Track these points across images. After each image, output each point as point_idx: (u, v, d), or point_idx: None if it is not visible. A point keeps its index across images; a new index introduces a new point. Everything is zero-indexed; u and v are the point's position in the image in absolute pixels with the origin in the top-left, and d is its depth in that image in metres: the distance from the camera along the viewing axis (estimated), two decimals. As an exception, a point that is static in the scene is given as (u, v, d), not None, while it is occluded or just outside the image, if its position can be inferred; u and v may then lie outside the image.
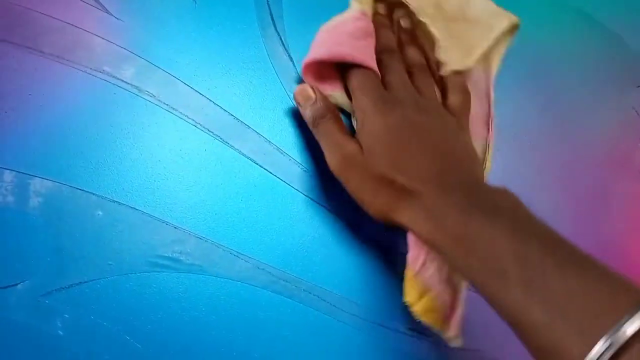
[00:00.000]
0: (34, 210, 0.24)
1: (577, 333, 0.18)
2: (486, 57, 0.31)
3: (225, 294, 0.26)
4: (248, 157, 0.28)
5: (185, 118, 0.27)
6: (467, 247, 0.22)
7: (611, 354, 0.17)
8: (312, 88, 0.28)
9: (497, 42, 0.30)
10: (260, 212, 0.27)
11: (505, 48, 0.31)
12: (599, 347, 0.17)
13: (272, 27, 0.30)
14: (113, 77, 0.27)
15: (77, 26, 0.27)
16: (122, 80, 0.27)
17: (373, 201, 0.25)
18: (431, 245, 0.24)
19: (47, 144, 0.25)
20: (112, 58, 0.27)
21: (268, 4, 0.30)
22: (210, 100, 0.28)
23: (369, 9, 0.30)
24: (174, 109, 0.27)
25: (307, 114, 0.27)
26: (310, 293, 0.27)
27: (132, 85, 0.27)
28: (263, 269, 0.27)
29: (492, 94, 0.31)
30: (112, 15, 0.28)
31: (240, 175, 0.28)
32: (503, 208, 0.23)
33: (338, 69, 0.29)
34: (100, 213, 0.25)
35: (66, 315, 0.23)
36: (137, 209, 0.25)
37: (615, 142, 0.36)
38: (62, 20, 0.27)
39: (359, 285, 0.28)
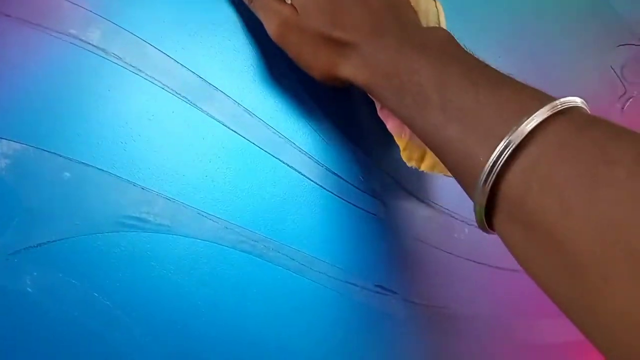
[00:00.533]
0: (1, 172, 0.24)
1: (483, 139, 0.19)
2: None
3: (193, 253, 0.26)
4: (216, 119, 0.28)
5: (153, 80, 0.27)
6: (397, 84, 0.23)
7: (510, 151, 0.18)
8: None
9: None
10: (228, 174, 0.28)
11: None
12: (499, 147, 0.18)
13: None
14: (79, 39, 0.27)
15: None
16: (89, 43, 0.27)
17: (314, 61, 0.26)
18: (369, 90, 0.25)
19: (14, 107, 0.25)
20: (79, 21, 0.27)
21: (237, -37, 0.30)
22: (177, 62, 0.28)
23: None
24: (140, 70, 0.27)
25: None
26: (279, 252, 0.27)
27: (98, 47, 0.27)
28: (231, 229, 0.27)
29: None
30: (77, -23, 0.27)
31: (208, 137, 0.28)
32: (432, 42, 0.24)
33: None
34: (68, 174, 0.25)
35: (35, 273, 0.24)
36: (104, 171, 0.26)
37: (593, 101, 0.35)
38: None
39: (328, 244, 0.28)
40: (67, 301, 0.24)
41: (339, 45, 0.26)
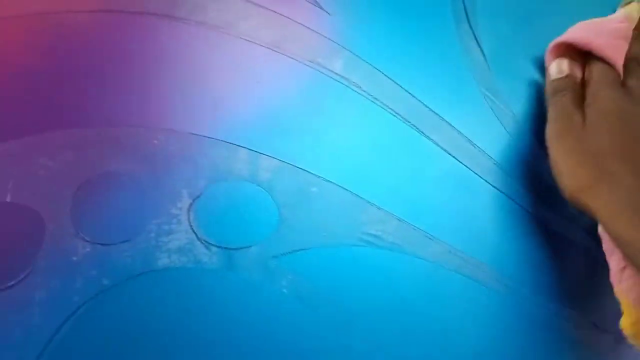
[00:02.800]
0: (262, 184, 0.28)
1: None
2: None
3: (420, 273, 0.28)
4: (442, 147, 0.30)
5: (387, 108, 0.30)
6: None
7: None
8: (567, 63, 0.29)
9: None
10: (451, 199, 0.29)
11: None
12: None
13: (466, 22, 0.31)
14: (325, 68, 0.30)
15: (292, 19, 0.30)
16: (333, 72, 0.30)
17: (572, 174, 0.25)
18: (623, 245, 0.22)
19: (271, 127, 0.28)
20: (325, 50, 0.30)
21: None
22: (408, 92, 0.30)
23: (635, 14, 0.29)
24: (376, 99, 0.30)
25: (552, 85, 0.29)
26: (498, 282, 0.29)
27: (341, 76, 0.30)
28: (454, 254, 0.29)
29: None
30: (323, 9, 0.30)
31: (434, 164, 0.30)
32: None
33: (581, 59, 0.30)
34: (315, 190, 0.28)
35: (289, 277, 0.27)
36: (346, 189, 0.28)
37: None
38: (278, 13, 0.30)
39: (546, 280, 0.29)
40: (311, 305, 0.27)
41: (609, 172, 0.23)
